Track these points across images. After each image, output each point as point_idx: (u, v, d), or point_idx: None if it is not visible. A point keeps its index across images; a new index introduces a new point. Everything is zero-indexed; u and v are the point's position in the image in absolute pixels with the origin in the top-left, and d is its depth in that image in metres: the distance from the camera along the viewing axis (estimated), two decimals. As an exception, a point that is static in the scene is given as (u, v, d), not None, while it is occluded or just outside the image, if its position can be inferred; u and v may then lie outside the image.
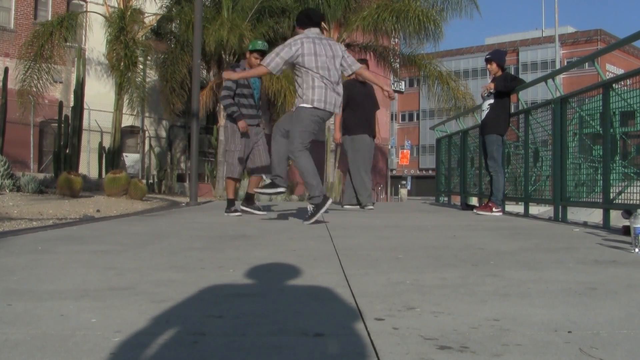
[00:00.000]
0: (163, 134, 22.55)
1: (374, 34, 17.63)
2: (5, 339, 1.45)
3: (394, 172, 41.37)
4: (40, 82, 15.67)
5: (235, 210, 5.99)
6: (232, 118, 5.92)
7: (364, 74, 5.43)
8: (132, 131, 21.01)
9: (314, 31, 4.96)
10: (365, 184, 7.20)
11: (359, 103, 7.16)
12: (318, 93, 4.79)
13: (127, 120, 18.41)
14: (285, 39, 20.41)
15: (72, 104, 14.10)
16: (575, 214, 7.93)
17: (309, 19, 5.02)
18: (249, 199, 6.13)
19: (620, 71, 33.31)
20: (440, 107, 19.29)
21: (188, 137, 20.54)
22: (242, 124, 5.86)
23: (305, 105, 4.81)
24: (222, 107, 5.97)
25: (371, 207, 7.22)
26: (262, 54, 5.78)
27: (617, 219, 4.76)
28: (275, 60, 4.79)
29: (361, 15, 16.77)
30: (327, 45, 4.91)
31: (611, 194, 4.87)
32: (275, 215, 6.02)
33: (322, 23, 5.13)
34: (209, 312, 1.74)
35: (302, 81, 4.84)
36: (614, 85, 4.99)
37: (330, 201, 4.82)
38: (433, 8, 17.59)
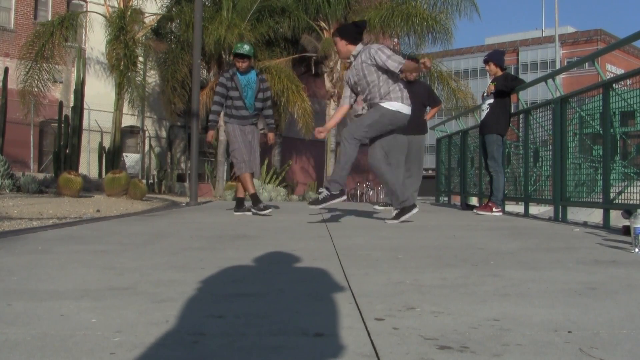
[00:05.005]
0: (163, 134, 22.54)
1: (377, 35, 17.57)
2: (5, 339, 1.45)
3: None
4: (42, 82, 15.69)
5: (248, 210, 6.11)
6: (230, 118, 6.10)
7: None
8: (132, 131, 21.01)
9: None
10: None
11: None
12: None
13: (127, 120, 18.41)
14: (285, 38, 20.49)
15: (72, 104, 14.11)
16: (575, 214, 7.93)
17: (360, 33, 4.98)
18: (255, 201, 6.14)
19: (620, 71, 33.30)
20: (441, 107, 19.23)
21: (188, 137, 20.54)
22: (209, 134, 6.16)
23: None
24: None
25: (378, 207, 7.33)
26: (245, 57, 5.96)
27: (617, 219, 4.76)
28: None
29: (367, 17, 16.70)
30: None
31: (611, 194, 4.87)
32: (276, 215, 6.02)
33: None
34: (209, 312, 1.74)
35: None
36: (614, 85, 4.99)
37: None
38: (435, 9, 17.56)
